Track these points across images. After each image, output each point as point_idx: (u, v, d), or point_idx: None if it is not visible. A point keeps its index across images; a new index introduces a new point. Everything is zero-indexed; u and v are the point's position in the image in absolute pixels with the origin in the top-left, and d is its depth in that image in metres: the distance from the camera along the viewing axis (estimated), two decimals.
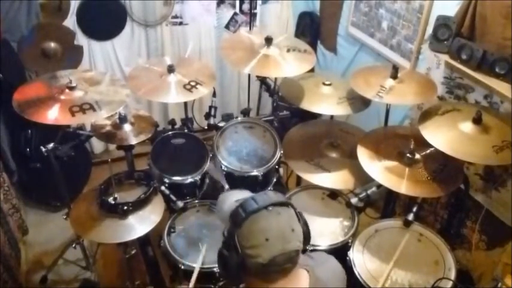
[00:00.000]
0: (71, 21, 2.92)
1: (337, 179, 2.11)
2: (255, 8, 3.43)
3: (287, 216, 1.15)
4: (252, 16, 3.43)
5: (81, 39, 3.01)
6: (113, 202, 1.90)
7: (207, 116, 2.43)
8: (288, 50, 2.34)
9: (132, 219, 1.91)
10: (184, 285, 1.76)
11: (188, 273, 1.85)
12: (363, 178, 2.00)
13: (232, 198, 1.26)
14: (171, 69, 2.25)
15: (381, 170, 1.92)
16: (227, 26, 3.44)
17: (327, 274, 1.27)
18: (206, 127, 2.46)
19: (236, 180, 2.21)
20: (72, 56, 2.85)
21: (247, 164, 2.27)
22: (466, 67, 2.11)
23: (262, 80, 2.62)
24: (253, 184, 2.21)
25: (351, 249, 1.87)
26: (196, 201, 2.22)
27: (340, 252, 1.90)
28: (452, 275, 1.73)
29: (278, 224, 1.11)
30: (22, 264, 2.58)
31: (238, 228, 1.12)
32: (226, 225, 1.18)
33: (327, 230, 2.05)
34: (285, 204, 1.17)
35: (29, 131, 2.74)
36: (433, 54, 2.37)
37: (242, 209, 1.13)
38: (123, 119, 2.15)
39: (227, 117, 2.47)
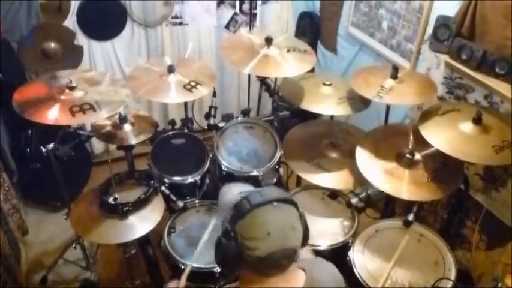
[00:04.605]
0: (71, 21, 2.92)
1: (337, 179, 2.11)
2: (255, 8, 3.43)
3: (289, 214, 1.16)
4: (252, 16, 3.43)
5: (81, 39, 3.01)
6: (113, 202, 1.90)
7: (207, 116, 2.43)
8: (288, 50, 2.34)
9: (132, 219, 1.91)
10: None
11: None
12: (363, 178, 2.00)
13: (236, 190, 1.26)
14: (171, 70, 2.25)
15: (380, 175, 1.91)
16: (227, 26, 3.44)
17: (323, 275, 1.28)
18: (206, 127, 2.46)
19: (236, 181, 2.21)
20: (72, 56, 2.85)
21: (247, 164, 2.27)
22: (466, 67, 2.11)
23: (262, 80, 2.62)
24: (254, 184, 2.19)
25: (351, 249, 1.87)
26: (197, 201, 2.22)
27: (340, 252, 1.90)
28: (452, 275, 1.73)
29: (280, 220, 1.12)
30: (22, 264, 2.58)
31: (241, 219, 1.12)
32: (227, 216, 1.17)
33: (327, 230, 2.05)
34: (289, 201, 1.17)
35: (29, 131, 2.74)
36: (433, 54, 2.37)
37: (247, 201, 1.13)
38: (123, 119, 2.15)
39: (227, 118, 2.47)
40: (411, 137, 2.01)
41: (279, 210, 1.13)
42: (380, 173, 1.92)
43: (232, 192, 1.26)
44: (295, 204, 1.19)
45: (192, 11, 3.26)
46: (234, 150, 2.33)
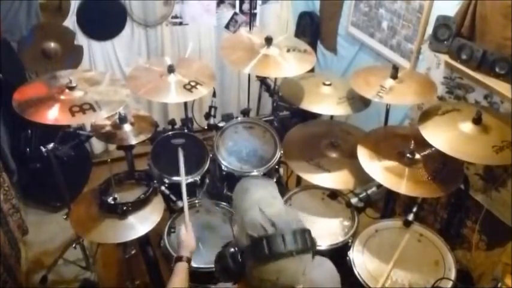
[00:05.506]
0: (71, 21, 2.92)
1: (337, 179, 2.11)
2: (255, 8, 3.43)
3: (305, 262, 1.13)
4: (252, 16, 3.42)
5: (81, 39, 3.01)
6: (113, 202, 1.90)
7: (207, 116, 2.43)
8: (288, 50, 2.34)
9: (132, 219, 1.91)
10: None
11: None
12: (363, 178, 2.00)
13: (255, 196, 1.23)
14: (171, 69, 2.25)
15: (380, 170, 1.92)
16: (227, 26, 3.44)
17: (321, 276, 1.29)
18: (206, 127, 2.46)
19: (236, 181, 2.20)
20: (72, 56, 2.85)
21: (247, 164, 2.27)
22: (466, 67, 2.11)
23: (262, 80, 2.62)
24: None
25: (351, 249, 1.87)
26: (197, 201, 2.22)
27: (340, 252, 1.90)
28: (452, 275, 1.73)
29: (295, 270, 1.10)
30: (22, 264, 2.58)
31: (257, 263, 1.08)
32: (240, 238, 1.14)
33: (327, 230, 2.05)
34: (309, 250, 1.14)
35: (29, 131, 2.74)
36: (433, 54, 2.37)
37: (268, 246, 1.07)
38: (123, 119, 2.15)
39: (227, 117, 2.47)
40: (412, 137, 2.01)
41: (297, 260, 1.09)
42: (380, 169, 1.92)
43: (251, 199, 1.22)
44: (314, 249, 1.15)
45: (192, 11, 3.25)
46: (234, 150, 2.33)
